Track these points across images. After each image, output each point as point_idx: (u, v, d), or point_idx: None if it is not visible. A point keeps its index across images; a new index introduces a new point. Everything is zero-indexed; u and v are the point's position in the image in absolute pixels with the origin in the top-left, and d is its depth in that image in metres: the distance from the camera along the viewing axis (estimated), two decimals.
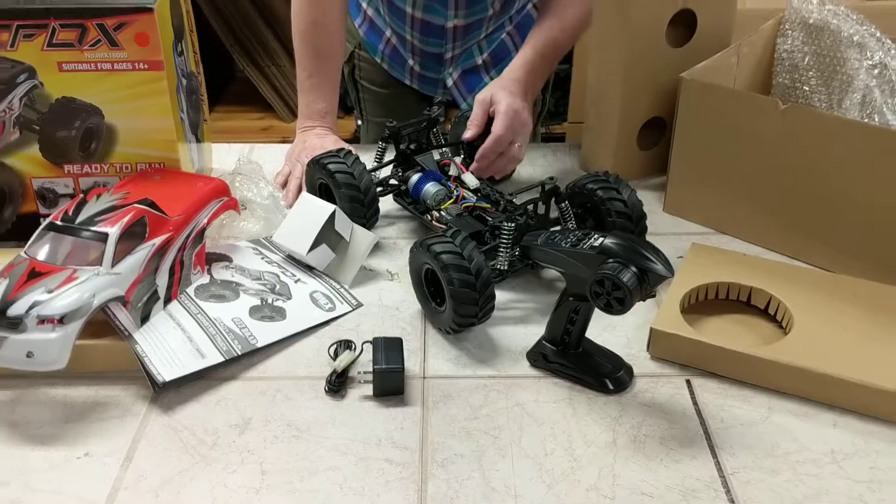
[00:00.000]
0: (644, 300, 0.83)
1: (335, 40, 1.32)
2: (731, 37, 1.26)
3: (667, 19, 1.18)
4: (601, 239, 0.85)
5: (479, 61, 1.47)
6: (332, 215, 1.03)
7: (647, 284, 0.82)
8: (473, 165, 1.17)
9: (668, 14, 1.18)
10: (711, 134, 1.13)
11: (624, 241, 0.84)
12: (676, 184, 1.20)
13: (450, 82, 1.50)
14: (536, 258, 0.93)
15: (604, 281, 0.82)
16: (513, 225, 0.97)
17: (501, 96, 1.18)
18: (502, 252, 0.98)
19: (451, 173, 1.15)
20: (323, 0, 1.29)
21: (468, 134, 1.18)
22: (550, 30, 1.26)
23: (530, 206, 1.03)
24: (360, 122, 1.68)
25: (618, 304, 0.82)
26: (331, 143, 1.31)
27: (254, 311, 0.96)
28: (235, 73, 2.78)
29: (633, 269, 0.81)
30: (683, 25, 1.22)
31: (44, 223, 0.92)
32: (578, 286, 0.87)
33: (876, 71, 1.16)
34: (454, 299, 0.91)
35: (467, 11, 1.37)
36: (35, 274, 0.86)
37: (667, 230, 1.18)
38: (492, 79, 1.48)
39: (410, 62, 1.48)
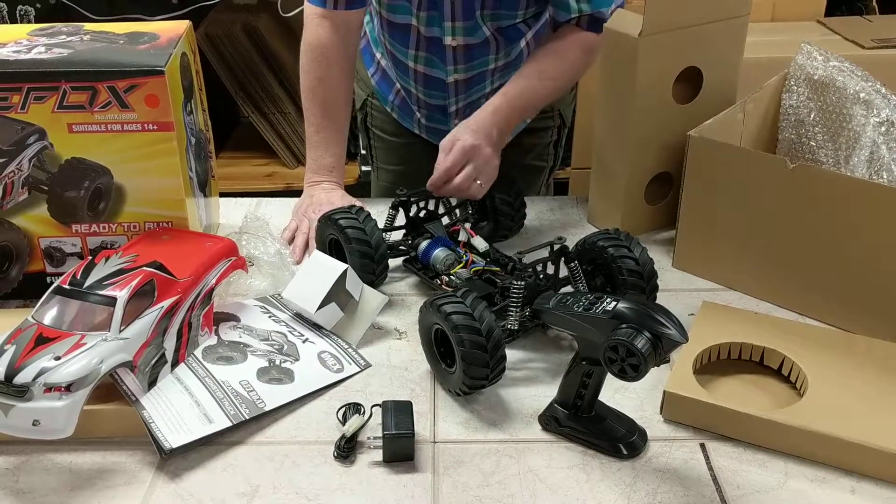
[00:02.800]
0: (658, 366, 0.82)
1: (341, 96, 1.33)
2: (737, 93, 1.27)
3: (673, 77, 1.19)
4: (614, 303, 0.85)
5: None
6: (343, 274, 1.03)
7: (662, 350, 0.81)
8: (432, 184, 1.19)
9: (675, 71, 1.19)
10: (720, 191, 1.13)
11: (637, 306, 0.83)
12: (685, 240, 1.20)
13: None
14: (548, 322, 0.92)
15: (618, 347, 0.81)
16: (522, 283, 0.97)
17: (461, 134, 1.20)
18: (512, 312, 0.98)
19: (460, 239, 1.15)
20: (328, 58, 1.30)
21: (432, 178, 1.19)
22: (528, 78, 1.26)
23: (539, 266, 1.02)
24: (369, 169, 1.68)
25: (632, 370, 0.81)
26: (338, 197, 1.31)
27: (262, 373, 0.95)
28: (240, 118, 2.80)
29: (647, 334, 0.81)
30: (689, 82, 1.22)
31: (52, 287, 0.91)
32: (591, 350, 0.87)
33: (883, 128, 1.16)
34: (465, 360, 0.90)
35: (466, 66, 1.37)
36: (42, 340, 0.85)
37: (676, 286, 1.17)
38: None
39: (417, 114, 1.49)
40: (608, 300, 0.85)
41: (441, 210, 1.23)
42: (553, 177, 1.63)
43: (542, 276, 1.02)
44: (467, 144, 1.18)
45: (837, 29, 2.27)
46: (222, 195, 1.37)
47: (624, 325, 0.82)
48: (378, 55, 1.48)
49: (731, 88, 1.26)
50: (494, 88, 1.44)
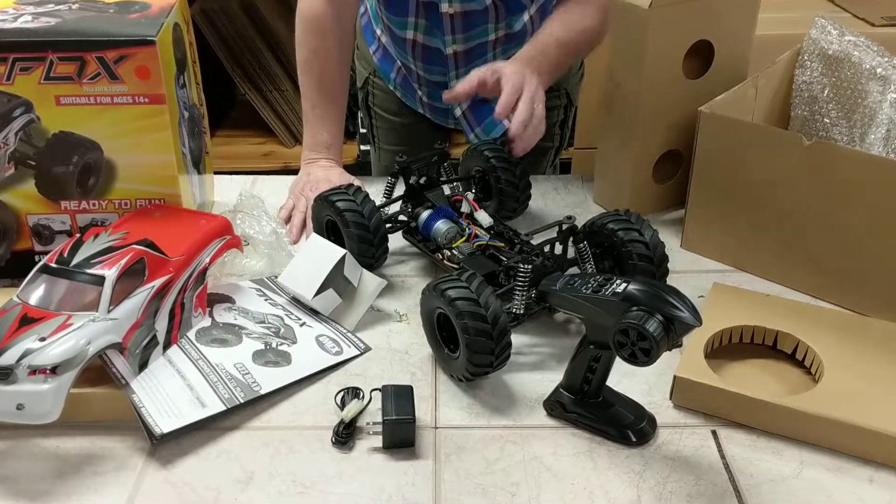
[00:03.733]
0: (670, 350, 0.79)
1: (337, 70, 1.28)
2: (748, 67, 1.23)
3: (684, 50, 1.15)
4: (624, 284, 0.81)
5: None
6: (342, 260, 0.99)
7: (674, 334, 0.78)
8: (513, 147, 1.13)
9: (686, 45, 1.15)
10: (731, 169, 1.09)
11: (648, 288, 0.80)
12: (695, 220, 1.16)
13: (458, 113, 1.46)
14: (555, 304, 0.88)
15: (628, 331, 0.77)
16: (529, 267, 0.93)
17: (503, 65, 1.14)
18: (518, 295, 0.94)
19: (462, 210, 1.11)
20: (323, 29, 1.25)
21: (452, 93, 1.14)
22: (551, 28, 1.23)
23: (547, 247, 0.99)
24: (368, 149, 1.64)
25: (643, 355, 0.77)
26: (336, 175, 1.27)
27: (258, 355, 0.92)
28: (237, 97, 2.75)
29: (659, 317, 0.77)
30: (700, 56, 1.18)
31: (37, 265, 0.88)
32: (599, 334, 0.83)
33: None
34: (469, 348, 0.87)
35: (465, 35, 1.33)
36: (27, 320, 0.81)
37: (685, 268, 1.14)
38: None
39: (419, 92, 1.45)
40: (618, 282, 0.82)
41: (443, 178, 1.18)
42: (559, 158, 1.60)
43: (549, 257, 0.98)
44: (517, 72, 1.12)
45: (846, 6, 2.22)
46: (218, 174, 1.33)
47: (635, 308, 0.78)
48: (378, 31, 1.44)
49: (743, 63, 1.22)
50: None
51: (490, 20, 1.31)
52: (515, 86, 1.12)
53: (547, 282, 0.88)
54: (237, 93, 2.67)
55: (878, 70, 1.15)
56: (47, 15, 1.01)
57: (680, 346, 0.80)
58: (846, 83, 1.19)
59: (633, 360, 0.78)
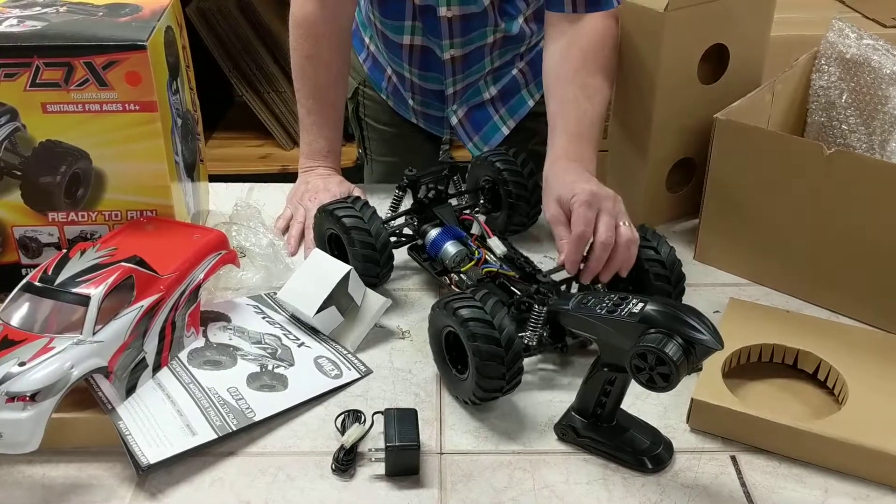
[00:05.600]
0: (690, 374, 0.75)
1: (332, 75, 1.23)
2: (763, 72, 1.18)
3: (699, 55, 1.10)
4: (641, 304, 0.77)
5: (487, 96, 1.38)
6: (346, 277, 0.94)
7: (695, 357, 0.73)
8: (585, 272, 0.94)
9: (701, 49, 1.10)
10: (748, 178, 1.05)
11: (666, 308, 0.75)
12: (709, 231, 1.11)
13: (454, 120, 1.40)
14: (566, 324, 0.84)
15: (646, 355, 0.73)
16: (544, 309, 0.88)
17: (558, 189, 0.97)
18: (530, 333, 0.89)
19: (472, 231, 1.06)
20: (317, 33, 1.20)
21: (568, 268, 0.94)
22: (576, 103, 1.07)
23: (563, 286, 0.93)
24: (363, 162, 1.59)
25: (662, 380, 0.73)
26: (334, 183, 1.23)
27: (252, 379, 0.87)
28: (234, 98, 2.70)
29: (679, 340, 0.73)
30: (713, 61, 1.14)
31: (20, 283, 0.83)
32: (615, 356, 0.79)
33: None
34: (479, 371, 0.82)
35: (463, 39, 1.28)
36: (7, 343, 0.77)
37: (698, 281, 1.09)
38: (502, 118, 1.40)
39: (411, 102, 1.40)
40: (634, 301, 0.78)
41: (451, 191, 1.13)
42: None
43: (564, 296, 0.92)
44: (584, 192, 0.93)
45: (856, 6, 2.18)
46: (215, 178, 1.28)
47: (653, 330, 0.74)
48: (367, 39, 1.39)
49: (758, 68, 1.17)
50: (494, 68, 1.35)
51: (489, 23, 1.27)
52: (586, 222, 0.93)
53: (558, 301, 0.84)
54: (234, 94, 2.62)
55: None
56: (33, 18, 0.97)
57: (700, 369, 0.76)
58: (865, 88, 1.15)
59: (651, 385, 0.74)
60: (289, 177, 1.29)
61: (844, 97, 1.17)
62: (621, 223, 0.94)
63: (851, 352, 0.91)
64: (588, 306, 0.80)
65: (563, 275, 0.96)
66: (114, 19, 0.98)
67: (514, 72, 1.37)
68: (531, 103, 1.40)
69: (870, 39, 1.16)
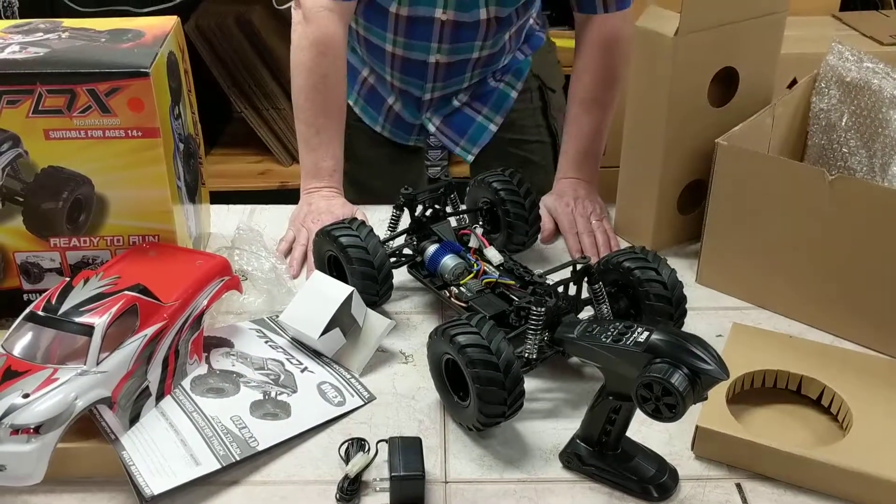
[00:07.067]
0: (695, 403, 0.74)
1: (342, 94, 1.25)
2: (773, 93, 1.19)
3: (709, 78, 1.11)
4: (646, 333, 0.77)
5: (457, 103, 1.42)
6: (349, 298, 0.94)
7: (700, 387, 0.73)
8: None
9: (711, 73, 1.11)
10: (750, 203, 1.05)
11: (672, 338, 0.75)
12: (711, 254, 1.11)
13: (431, 128, 1.44)
14: (572, 353, 0.84)
15: (652, 385, 0.73)
16: (542, 310, 0.88)
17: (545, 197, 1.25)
18: (531, 339, 0.89)
19: (470, 245, 1.06)
20: (336, 52, 1.21)
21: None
22: (577, 121, 1.27)
23: (560, 288, 0.94)
24: None
25: (668, 410, 0.73)
26: (338, 205, 1.23)
27: (255, 407, 0.87)
28: (233, 114, 2.70)
29: (685, 370, 0.73)
30: (723, 84, 1.14)
31: (24, 312, 0.83)
32: (620, 385, 0.79)
33: None
34: (480, 398, 0.82)
35: (451, 47, 1.29)
36: (11, 374, 0.76)
37: (701, 304, 1.09)
38: (487, 116, 1.43)
39: (390, 100, 1.41)
40: (639, 330, 0.77)
41: (449, 210, 1.14)
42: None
43: (563, 298, 0.93)
44: (554, 193, 1.25)
45: (853, 24, 2.19)
46: (214, 194, 1.28)
47: (658, 360, 0.74)
48: None
49: (768, 90, 1.18)
50: (472, 84, 1.39)
51: (479, 37, 1.29)
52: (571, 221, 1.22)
53: (563, 329, 0.84)
54: (232, 110, 2.62)
55: None
56: (36, 45, 0.97)
57: (705, 399, 0.76)
58: (866, 111, 1.15)
59: (657, 415, 0.74)
60: (287, 193, 1.29)
61: (845, 120, 1.18)
62: (593, 220, 1.21)
63: (855, 377, 0.91)
64: (593, 335, 0.80)
65: (559, 276, 0.96)
66: (116, 45, 0.98)
67: (490, 81, 1.41)
68: (514, 94, 1.43)
69: (869, 63, 1.17)
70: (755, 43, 1.13)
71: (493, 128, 1.43)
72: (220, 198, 1.32)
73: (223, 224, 1.25)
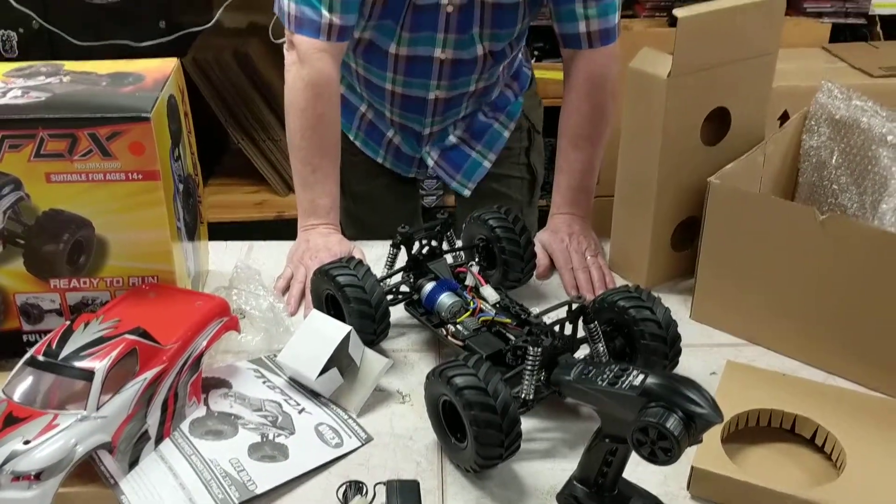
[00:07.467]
0: (690, 446, 0.75)
1: (336, 133, 1.26)
2: (765, 131, 1.20)
3: (702, 118, 1.13)
4: (641, 377, 0.77)
5: (453, 139, 1.45)
6: (347, 337, 0.95)
7: (695, 431, 0.74)
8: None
9: (703, 113, 1.12)
10: (742, 241, 1.06)
11: (667, 381, 0.76)
12: (704, 292, 1.13)
13: (430, 162, 1.46)
14: (569, 395, 0.85)
15: (648, 429, 0.74)
16: (539, 350, 0.89)
17: (549, 240, 1.25)
18: (527, 379, 0.90)
19: (467, 283, 1.08)
20: (331, 93, 1.23)
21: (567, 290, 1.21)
22: (566, 158, 1.28)
23: (556, 327, 0.95)
24: None
25: (663, 454, 0.74)
26: (335, 242, 1.24)
27: (253, 449, 0.87)
28: (230, 145, 2.72)
29: (679, 414, 0.74)
30: (716, 122, 1.16)
31: (25, 357, 0.84)
32: (616, 427, 0.79)
33: None
34: (477, 440, 0.83)
35: (450, 83, 1.32)
36: (12, 420, 0.77)
37: (695, 341, 1.10)
38: (481, 153, 1.46)
39: (389, 134, 1.44)
40: (635, 373, 0.78)
41: (446, 247, 1.15)
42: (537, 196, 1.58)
43: (559, 337, 0.94)
44: (548, 230, 1.26)
45: (843, 56, 2.22)
46: (212, 225, 1.28)
47: (653, 404, 0.75)
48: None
49: (759, 128, 1.20)
50: (467, 114, 1.42)
51: (476, 71, 1.32)
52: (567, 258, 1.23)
53: (559, 371, 0.85)
54: (230, 141, 2.64)
55: (889, 137, 1.13)
56: (38, 89, 0.98)
57: (700, 442, 0.76)
58: (856, 149, 1.17)
59: (652, 458, 0.75)
60: (285, 224, 1.31)
61: (835, 157, 1.19)
62: (588, 255, 1.22)
63: (848, 416, 0.92)
64: (589, 378, 0.81)
65: (556, 315, 0.97)
66: (117, 89, 0.99)
67: (481, 116, 1.44)
68: (507, 133, 1.47)
69: (858, 101, 1.19)
70: (746, 83, 1.15)
71: (488, 164, 1.46)
72: (218, 229, 1.33)
73: (221, 261, 1.26)
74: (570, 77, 1.27)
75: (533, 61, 1.56)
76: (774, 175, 1.21)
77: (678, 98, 1.09)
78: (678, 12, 1.05)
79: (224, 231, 1.42)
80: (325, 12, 1.18)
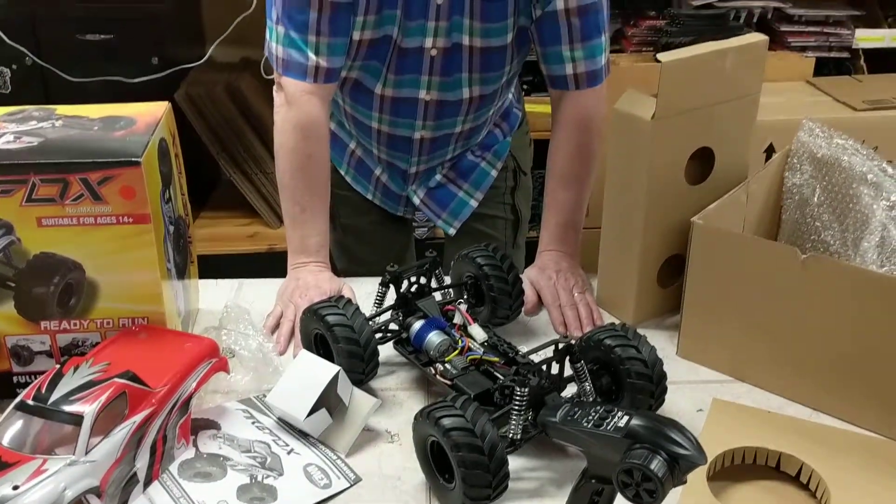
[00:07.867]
0: (675, 487, 0.76)
1: (326, 172, 1.28)
2: (748, 169, 1.22)
3: (686, 158, 1.15)
4: (626, 418, 0.78)
5: (441, 179, 1.46)
6: (335, 377, 0.96)
7: (679, 472, 0.75)
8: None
9: (687, 153, 1.15)
10: (726, 280, 1.08)
11: (651, 423, 0.77)
12: (690, 329, 1.14)
13: (416, 200, 1.48)
14: (555, 437, 0.85)
15: (632, 471, 0.74)
16: (526, 390, 0.90)
17: (537, 277, 1.26)
18: (515, 419, 0.91)
19: (455, 321, 1.09)
20: (319, 134, 1.25)
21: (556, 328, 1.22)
22: (553, 196, 1.29)
23: (543, 366, 0.96)
24: None
25: (648, 496, 0.74)
26: (325, 280, 1.25)
27: (242, 491, 0.88)
28: (221, 177, 2.74)
29: (664, 455, 0.75)
30: (700, 161, 1.18)
31: (14, 401, 0.84)
32: (602, 469, 0.80)
33: (893, 212, 1.12)
34: (465, 481, 0.84)
35: (435, 123, 1.34)
36: (1, 465, 0.77)
37: (682, 378, 1.11)
38: (467, 192, 1.48)
39: (377, 171, 1.46)
40: (619, 415, 0.79)
41: (434, 284, 1.16)
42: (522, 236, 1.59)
43: (546, 377, 0.95)
44: (536, 266, 1.27)
45: (827, 90, 2.26)
46: (203, 259, 1.29)
47: (638, 446, 0.76)
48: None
49: (743, 166, 1.22)
50: (455, 155, 1.44)
51: (461, 113, 1.34)
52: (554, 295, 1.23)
53: (546, 413, 0.86)
54: (222, 174, 2.66)
55: (870, 176, 1.15)
56: (30, 134, 0.99)
57: (684, 483, 0.77)
58: (837, 187, 1.19)
59: (637, 500, 0.75)
60: (276, 256, 1.32)
61: (817, 195, 1.21)
62: (575, 293, 1.23)
63: (832, 454, 0.93)
64: (575, 419, 0.82)
65: (543, 354, 0.98)
66: (109, 133, 1.01)
67: (468, 155, 1.46)
68: (494, 173, 1.48)
69: (839, 139, 1.21)
70: (730, 123, 1.18)
71: (474, 203, 1.48)
72: (209, 262, 1.33)
73: (212, 299, 1.27)
74: (557, 117, 1.29)
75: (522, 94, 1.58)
76: (758, 212, 1.23)
77: (663, 139, 1.11)
78: (661, 56, 1.08)
79: (216, 264, 1.43)
80: (311, 55, 1.20)
